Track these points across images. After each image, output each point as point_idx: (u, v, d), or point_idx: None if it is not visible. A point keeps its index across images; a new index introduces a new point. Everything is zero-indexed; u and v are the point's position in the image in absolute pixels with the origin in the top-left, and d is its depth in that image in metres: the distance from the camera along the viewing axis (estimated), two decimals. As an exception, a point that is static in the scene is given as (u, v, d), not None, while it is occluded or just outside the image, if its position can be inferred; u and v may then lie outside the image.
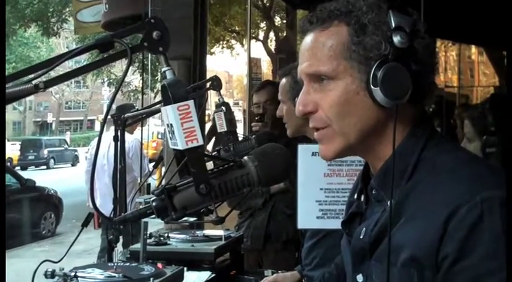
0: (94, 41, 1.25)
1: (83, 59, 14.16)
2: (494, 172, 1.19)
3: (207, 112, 5.70)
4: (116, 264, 2.13)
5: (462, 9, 7.95)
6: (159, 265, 2.11)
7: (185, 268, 2.22)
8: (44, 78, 1.19)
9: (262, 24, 18.31)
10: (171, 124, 1.18)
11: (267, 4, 16.81)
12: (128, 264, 2.17)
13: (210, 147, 3.88)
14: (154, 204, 1.23)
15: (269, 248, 3.61)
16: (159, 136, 18.61)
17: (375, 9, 1.23)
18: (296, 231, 2.88)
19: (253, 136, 2.82)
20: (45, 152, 31.56)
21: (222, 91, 2.75)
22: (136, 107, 6.99)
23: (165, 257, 2.33)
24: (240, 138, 2.77)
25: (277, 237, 3.58)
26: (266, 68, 18.30)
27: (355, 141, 1.27)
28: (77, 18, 9.66)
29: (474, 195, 1.12)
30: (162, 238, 2.55)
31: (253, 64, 9.44)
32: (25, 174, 13.15)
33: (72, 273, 1.91)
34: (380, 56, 1.21)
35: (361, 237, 1.30)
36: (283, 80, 2.73)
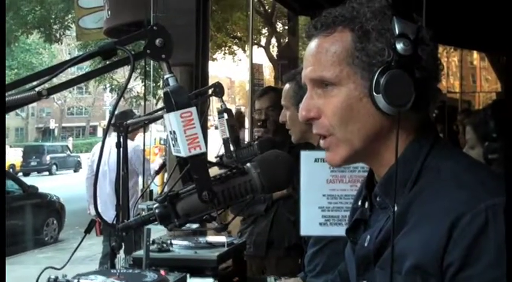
0: (97, 48, 1.25)
1: (85, 66, 14.17)
2: (498, 178, 1.19)
3: (209, 118, 5.70)
4: (118, 271, 2.13)
5: (464, 15, 7.95)
6: (162, 272, 2.10)
7: (188, 275, 2.21)
8: (47, 85, 1.19)
9: (264, 30, 18.35)
10: (173, 131, 1.18)
11: (269, 10, 16.85)
12: (130, 271, 2.17)
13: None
14: (157, 211, 1.22)
15: (272, 254, 3.60)
16: (162, 142, 18.60)
17: (379, 16, 1.23)
18: (299, 238, 2.87)
19: (256, 142, 2.81)
20: (48, 158, 31.60)
21: (224, 97, 2.74)
22: (139, 114, 6.99)
23: (168, 264, 2.32)
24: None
25: (280, 243, 3.58)
26: (268, 74, 18.32)
27: (360, 147, 1.27)
28: (79, 25, 9.67)
29: (478, 203, 1.12)
30: (164, 245, 2.54)
31: (255, 70, 9.43)
32: (27, 181, 13.19)
33: (75, 280, 1.91)
34: (383, 62, 1.21)
35: (366, 244, 1.29)
36: (287, 86, 2.73)
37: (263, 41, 18.61)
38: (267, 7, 16.80)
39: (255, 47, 13.66)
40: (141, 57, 1.25)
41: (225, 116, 2.65)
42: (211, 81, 3.69)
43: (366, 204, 1.39)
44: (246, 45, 17.51)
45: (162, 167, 4.81)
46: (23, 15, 18.05)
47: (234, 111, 2.76)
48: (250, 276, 2.92)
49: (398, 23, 1.22)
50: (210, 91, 2.71)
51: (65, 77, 1.29)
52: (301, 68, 1.34)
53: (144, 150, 5.30)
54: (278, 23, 17.91)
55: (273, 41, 18.23)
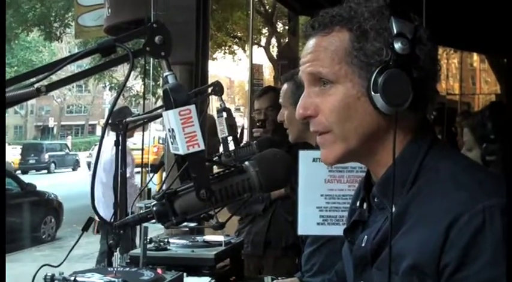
0: (96, 45, 1.25)
1: (85, 63, 14.17)
2: (496, 179, 1.19)
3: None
4: (115, 269, 2.13)
5: (464, 17, 7.96)
6: (159, 270, 2.10)
7: (185, 273, 2.21)
8: (45, 82, 1.19)
9: (264, 30, 18.38)
10: (172, 129, 1.18)
11: (269, 10, 16.87)
12: (127, 269, 2.17)
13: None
14: (154, 208, 1.22)
15: (269, 254, 3.60)
16: (160, 141, 18.60)
17: (377, 16, 1.24)
18: (296, 238, 2.87)
19: (255, 142, 2.81)
20: (46, 156, 31.58)
21: (223, 97, 2.74)
22: (138, 112, 6.99)
23: (165, 263, 2.32)
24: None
25: (277, 243, 3.58)
26: (268, 74, 18.34)
27: (356, 146, 1.27)
28: (78, 23, 9.68)
29: (476, 203, 1.11)
30: (162, 243, 2.54)
31: (255, 70, 9.44)
32: (26, 179, 13.17)
33: (72, 278, 1.91)
34: (381, 62, 1.21)
35: (363, 245, 1.29)
36: (285, 85, 2.73)
37: (263, 41, 18.64)
38: (267, 7, 16.82)
39: (255, 46, 13.69)
40: (141, 54, 1.25)
41: (224, 115, 2.65)
42: (210, 81, 3.68)
43: (365, 205, 1.39)
44: (246, 45, 17.54)
45: (161, 165, 4.82)
46: (23, 12, 18.05)
47: (232, 110, 2.76)
48: (248, 276, 2.91)
49: (396, 22, 1.22)
50: (209, 90, 2.71)
51: (64, 75, 1.28)
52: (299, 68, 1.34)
53: (142, 148, 5.30)
54: (278, 23, 17.94)
55: (273, 41, 18.25)
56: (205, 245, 2.61)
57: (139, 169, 6.75)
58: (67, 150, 34.68)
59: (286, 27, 14.92)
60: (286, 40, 13.92)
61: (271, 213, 3.61)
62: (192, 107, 1.17)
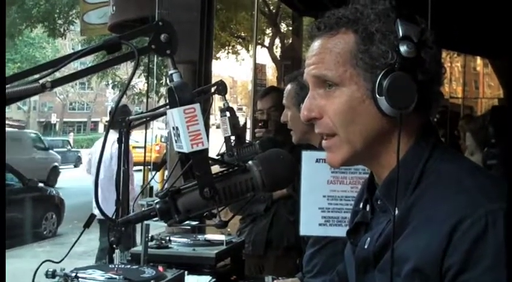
0: (101, 42, 1.25)
1: (88, 61, 14.18)
2: (499, 183, 1.19)
3: (211, 117, 5.71)
4: (116, 266, 2.13)
5: (468, 20, 7.95)
6: (160, 268, 2.10)
7: (186, 272, 2.21)
8: (49, 79, 1.19)
9: (268, 31, 18.35)
10: (176, 127, 1.18)
11: (273, 10, 16.85)
12: (128, 266, 2.17)
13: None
14: (158, 206, 1.22)
15: (270, 254, 3.60)
16: (163, 139, 18.59)
17: (383, 18, 1.23)
18: (297, 238, 2.87)
19: (257, 142, 2.81)
20: (48, 152, 31.54)
21: (226, 96, 2.75)
22: (141, 110, 6.99)
23: (166, 261, 2.32)
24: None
25: (279, 243, 3.58)
26: (271, 74, 18.34)
27: (361, 149, 1.27)
28: (83, 20, 9.69)
29: (478, 208, 1.12)
30: (163, 241, 2.54)
31: (258, 70, 9.43)
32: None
33: (73, 274, 1.91)
34: (386, 65, 1.21)
35: (366, 247, 1.29)
36: (289, 86, 2.73)
37: (267, 41, 18.62)
38: (271, 7, 16.80)
39: (258, 47, 13.65)
40: (146, 52, 1.25)
41: (227, 114, 2.65)
42: (214, 80, 3.69)
43: (367, 207, 1.39)
44: (250, 45, 17.53)
45: (163, 163, 4.82)
46: (28, 8, 18.03)
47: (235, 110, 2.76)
48: (248, 275, 2.91)
49: (402, 25, 1.21)
50: (213, 89, 2.71)
51: (67, 72, 1.28)
52: (303, 70, 1.34)
53: (145, 147, 5.31)
54: (282, 23, 17.92)
55: (277, 41, 18.24)
56: (207, 244, 2.61)
57: (140, 167, 6.76)
58: (69, 147, 34.65)
59: (290, 28, 14.93)
60: (290, 41, 13.92)
61: (273, 213, 3.61)
62: (197, 106, 1.17)
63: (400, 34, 1.21)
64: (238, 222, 3.80)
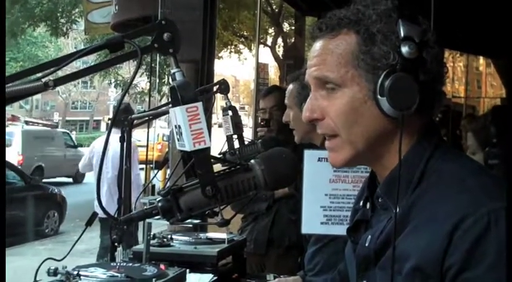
0: (104, 40, 1.26)
1: (91, 60, 14.19)
2: (500, 183, 1.19)
3: (213, 116, 5.70)
4: (118, 264, 2.14)
5: (471, 20, 7.94)
6: (162, 266, 2.11)
7: (187, 270, 2.22)
8: (51, 77, 1.19)
9: (271, 30, 18.37)
10: (179, 125, 1.18)
11: (276, 10, 16.86)
12: (130, 264, 2.17)
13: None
14: (160, 204, 1.23)
15: (272, 252, 3.61)
16: (165, 138, 18.60)
17: (384, 19, 1.23)
18: (299, 237, 2.87)
19: (259, 141, 2.82)
20: (50, 150, 31.56)
21: (229, 95, 2.75)
22: (142, 109, 7.00)
23: (168, 259, 2.33)
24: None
25: (280, 242, 3.58)
26: (273, 74, 18.35)
27: (363, 149, 1.27)
28: (87, 19, 9.70)
29: (480, 207, 1.12)
30: (165, 239, 2.55)
31: (260, 69, 9.45)
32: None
33: (75, 272, 1.92)
34: (388, 65, 1.21)
35: (367, 244, 1.30)
36: (291, 86, 2.73)
37: (269, 41, 18.63)
38: (274, 7, 16.81)
39: (261, 46, 13.65)
40: (149, 51, 1.25)
41: (230, 113, 2.66)
42: (216, 79, 3.68)
43: (368, 205, 1.39)
44: (252, 44, 17.54)
45: (165, 162, 4.83)
46: (30, 7, 18.05)
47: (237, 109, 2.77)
48: (250, 274, 2.92)
49: (403, 25, 1.21)
50: (215, 88, 2.72)
51: (69, 71, 1.29)
52: (306, 69, 1.34)
53: (147, 145, 5.31)
54: (285, 23, 17.93)
55: (279, 40, 18.25)
56: (208, 242, 2.62)
57: (142, 166, 6.77)
58: (71, 146, 34.66)
59: (293, 28, 14.93)
60: (293, 40, 13.92)
61: (275, 212, 3.62)
62: (199, 104, 1.17)
63: (402, 35, 1.21)
64: (240, 220, 3.80)
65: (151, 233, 2.45)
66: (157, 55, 5.00)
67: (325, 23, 1.29)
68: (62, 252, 2.03)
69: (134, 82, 20.12)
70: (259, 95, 5.48)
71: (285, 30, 17.87)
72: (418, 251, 1.15)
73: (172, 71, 1.22)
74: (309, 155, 2.40)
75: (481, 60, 17.80)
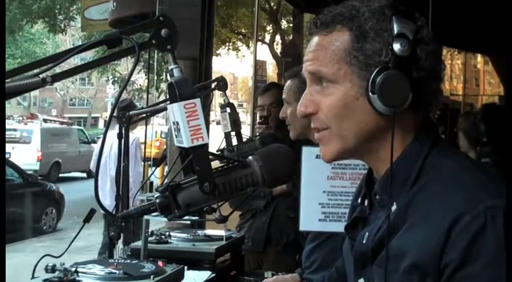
0: (102, 36, 1.26)
1: (89, 56, 14.18)
2: (498, 180, 1.19)
3: (211, 113, 5.71)
4: (116, 260, 2.13)
5: (469, 18, 7.95)
6: (160, 263, 2.11)
7: (185, 267, 2.22)
8: (49, 73, 1.19)
9: (269, 27, 18.35)
10: (177, 122, 1.18)
11: (274, 7, 16.85)
12: (128, 261, 2.17)
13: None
14: (158, 201, 1.23)
15: (270, 250, 3.61)
16: (163, 135, 18.64)
17: (378, 15, 1.23)
18: (297, 234, 2.87)
19: (257, 137, 2.81)
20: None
21: (227, 92, 2.75)
22: (141, 106, 7.00)
23: (166, 256, 2.33)
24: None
25: (279, 239, 3.58)
26: (271, 71, 18.36)
27: (353, 145, 1.27)
28: (84, 16, 9.70)
29: (478, 204, 1.12)
30: (163, 236, 2.55)
31: (258, 66, 9.45)
32: (28, 170, 13.17)
33: (73, 269, 1.91)
34: (380, 63, 1.20)
35: (364, 241, 1.30)
36: (289, 82, 2.72)
37: (267, 38, 18.62)
38: (272, 4, 16.80)
39: (259, 43, 13.66)
40: (146, 47, 1.25)
41: (228, 110, 2.66)
42: (214, 76, 3.69)
43: (366, 202, 1.39)
44: (250, 42, 17.54)
45: (163, 159, 4.83)
46: (28, 4, 18.05)
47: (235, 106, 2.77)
48: (248, 271, 2.92)
49: (397, 22, 1.21)
50: (213, 85, 2.72)
51: (67, 67, 1.29)
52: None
53: (145, 142, 5.32)
54: (283, 20, 17.92)
55: (277, 38, 18.25)
56: (206, 239, 2.62)
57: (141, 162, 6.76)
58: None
59: (291, 25, 14.93)
60: (291, 37, 13.92)
61: (273, 209, 3.62)
62: (197, 101, 1.18)
63: (395, 32, 1.20)
64: (238, 217, 3.80)
65: (149, 230, 2.45)
66: (155, 52, 5.01)
67: (320, 20, 1.29)
68: (60, 249, 2.03)
69: (132, 79, 20.14)
70: (257, 92, 5.48)
71: (283, 27, 17.87)
72: (415, 248, 1.15)
73: (170, 68, 1.22)
74: (306, 152, 2.39)
75: (479, 58, 17.80)
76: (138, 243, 2.41)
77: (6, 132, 19.41)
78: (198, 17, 4.42)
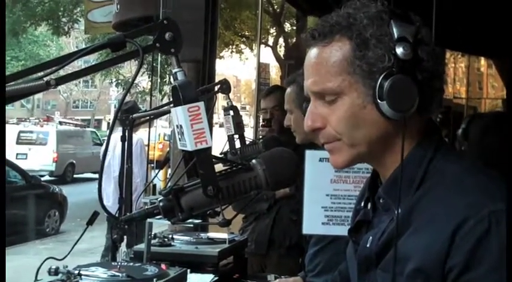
0: (106, 40, 1.26)
1: (92, 59, 14.20)
2: (502, 184, 1.19)
3: (214, 116, 5.71)
4: (119, 263, 2.14)
5: (473, 21, 7.94)
6: (163, 266, 2.11)
7: (188, 270, 2.22)
8: (53, 76, 1.19)
9: (272, 30, 18.38)
10: (180, 125, 1.18)
11: (278, 10, 16.86)
12: (131, 264, 2.17)
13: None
14: (161, 204, 1.23)
15: (273, 253, 3.60)
16: (166, 138, 18.69)
17: (376, 21, 1.22)
18: (300, 237, 2.87)
19: (261, 140, 2.81)
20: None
21: (230, 95, 2.75)
22: (144, 109, 7.00)
23: (169, 258, 2.33)
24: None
25: (281, 242, 3.58)
26: (275, 74, 18.35)
27: (365, 151, 1.27)
28: (87, 18, 9.69)
29: (482, 208, 1.12)
30: (166, 239, 2.55)
31: (262, 69, 9.45)
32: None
33: (76, 271, 1.92)
34: (384, 68, 1.20)
35: (368, 245, 1.29)
36: (289, 89, 2.72)
37: (271, 41, 18.64)
38: (275, 7, 16.81)
39: (262, 46, 13.66)
40: (150, 50, 1.25)
41: (231, 113, 2.66)
42: (217, 79, 3.69)
43: (369, 206, 1.39)
44: (254, 44, 17.54)
45: (166, 161, 4.83)
46: (32, 6, 18.08)
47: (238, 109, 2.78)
48: (251, 274, 2.92)
49: (396, 26, 1.20)
50: (216, 88, 2.72)
51: (71, 70, 1.29)
52: (302, 71, 1.33)
53: (149, 145, 5.32)
54: (286, 23, 17.93)
55: (281, 40, 18.25)
56: (209, 242, 2.62)
57: (145, 165, 6.75)
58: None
59: (294, 28, 14.93)
60: (294, 40, 13.93)
61: (276, 212, 3.61)
62: (201, 104, 1.18)
63: (395, 36, 1.20)
64: (241, 220, 3.80)
65: (153, 233, 2.45)
66: (159, 54, 5.01)
67: (317, 31, 1.28)
68: (63, 251, 2.03)
69: (135, 81, 20.17)
70: (260, 94, 5.48)
71: (286, 30, 17.88)
72: (419, 252, 1.15)
73: (173, 71, 1.22)
74: (310, 155, 2.39)
75: (482, 61, 17.76)
76: (141, 246, 2.41)
77: (24, 134, 19.98)
78: (201, 19, 4.42)
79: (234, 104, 2.76)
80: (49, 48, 38.82)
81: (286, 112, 2.79)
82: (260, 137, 3.61)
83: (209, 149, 1.17)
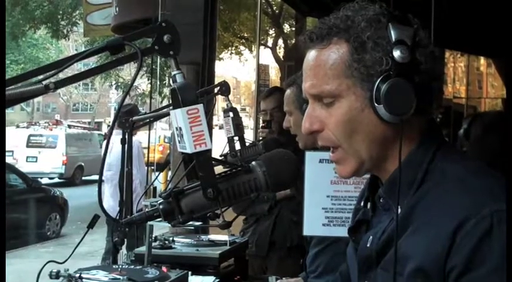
0: (105, 43, 1.26)
1: (91, 62, 14.19)
2: (503, 183, 1.18)
3: (214, 117, 5.71)
4: (120, 266, 2.14)
5: (472, 21, 7.94)
6: (164, 269, 2.11)
7: (189, 272, 2.22)
8: (53, 80, 1.19)
9: (271, 31, 18.41)
10: (180, 127, 1.18)
11: (277, 11, 16.89)
12: (132, 266, 2.17)
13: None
14: (161, 207, 1.23)
15: (273, 254, 3.60)
16: (166, 140, 18.73)
17: (374, 24, 1.22)
18: (301, 238, 2.87)
19: (261, 142, 2.81)
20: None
21: (230, 97, 2.75)
22: (144, 111, 7.01)
23: (170, 261, 2.33)
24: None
25: (282, 244, 3.57)
26: (274, 75, 18.38)
27: (367, 157, 1.26)
28: (87, 21, 9.68)
29: (483, 208, 1.11)
30: (167, 242, 2.55)
31: (261, 71, 9.47)
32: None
33: (77, 275, 1.92)
34: (382, 72, 1.19)
35: (368, 245, 1.29)
36: (288, 91, 2.72)
37: (270, 42, 18.67)
38: (274, 8, 16.84)
39: (261, 47, 13.68)
40: (149, 53, 1.25)
41: (231, 114, 2.65)
42: (217, 81, 3.69)
43: (368, 205, 1.39)
44: (253, 46, 17.58)
45: (166, 164, 4.83)
46: (31, 10, 18.09)
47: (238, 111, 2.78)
48: (252, 276, 2.92)
49: (394, 29, 1.20)
50: (216, 90, 2.72)
51: (70, 73, 1.29)
52: (301, 73, 1.33)
53: (148, 147, 5.32)
54: (285, 24, 17.96)
55: (280, 42, 18.29)
56: (210, 244, 2.62)
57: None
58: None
59: (293, 29, 14.94)
60: (293, 41, 13.93)
61: (276, 213, 3.61)
62: (200, 106, 1.18)
63: (393, 39, 1.19)
64: (242, 222, 3.80)
65: (153, 235, 2.45)
66: (158, 57, 5.01)
67: (315, 33, 1.27)
68: (64, 254, 2.03)
69: (135, 84, 20.20)
70: (260, 96, 5.48)
71: (285, 31, 17.90)
72: (420, 252, 1.15)
73: (173, 73, 1.23)
74: (310, 157, 2.39)
75: (482, 60, 17.78)
76: (142, 249, 2.41)
77: (34, 138, 20.13)
78: (200, 21, 4.42)
79: (234, 105, 2.76)
80: (48, 51, 38.81)
81: (285, 118, 2.79)
82: (260, 138, 3.60)
83: (209, 151, 1.17)
